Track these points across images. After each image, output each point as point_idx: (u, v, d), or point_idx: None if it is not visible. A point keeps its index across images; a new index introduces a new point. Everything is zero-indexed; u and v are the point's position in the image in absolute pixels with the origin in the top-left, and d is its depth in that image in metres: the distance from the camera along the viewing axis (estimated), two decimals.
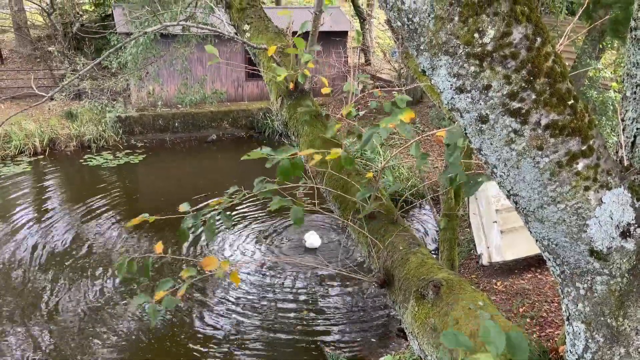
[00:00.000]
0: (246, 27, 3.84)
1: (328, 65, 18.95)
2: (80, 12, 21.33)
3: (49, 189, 14.43)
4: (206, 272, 2.24)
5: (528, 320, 7.64)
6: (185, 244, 11.03)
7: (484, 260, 9.17)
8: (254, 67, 3.96)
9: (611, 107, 10.73)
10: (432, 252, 9.83)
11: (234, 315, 9.13)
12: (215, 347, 8.39)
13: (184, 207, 2.31)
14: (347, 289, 9.92)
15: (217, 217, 2.36)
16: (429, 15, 1.13)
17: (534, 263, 8.98)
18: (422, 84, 6.78)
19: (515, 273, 8.99)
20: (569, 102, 1.18)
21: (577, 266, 1.35)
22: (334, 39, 19.00)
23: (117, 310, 9.15)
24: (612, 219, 1.27)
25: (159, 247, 2.39)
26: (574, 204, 1.25)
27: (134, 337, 8.56)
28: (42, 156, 16.31)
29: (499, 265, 9.14)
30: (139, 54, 12.36)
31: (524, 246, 8.68)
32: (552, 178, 1.23)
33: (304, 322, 8.99)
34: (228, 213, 2.36)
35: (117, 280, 9.91)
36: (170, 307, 2.14)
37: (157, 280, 2.28)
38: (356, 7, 22.86)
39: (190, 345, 8.39)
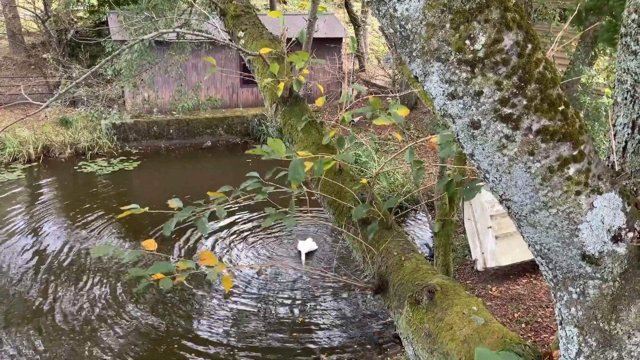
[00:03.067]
0: (241, 33, 3.85)
1: (323, 71, 19.00)
2: (75, 19, 21.31)
3: (43, 195, 14.37)
4: (202, 266, 2.23)
5: (523, 325, 7.65)
6: (179, 249, 10.99)
7: (479, 266, 9.18)
8: (249, 74, 3.96)
9: (604, 113, 10.79)
10: (427, 257, 9.83)
11: (228, 322, 9.09)
12: (210, 353, 8.34)
13: (173, 202, 2.30)
14: (342, 295, 9.90)
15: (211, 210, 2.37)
16: (421, 22, 1.14)
17: (529, 268, 8.99)
18: (416, 90, 6.80)
19: (510, 278, 9.00)
20: (560, 108, 1.19)
21: (569, 270, 1.36)
22: (328, 45, 19.07)
23: (111, 317, 9.10)
24: (603, 223, 1.28)
25: (149, 244, 2.27)
26: (566, 208, 1.26)
27: (128, 343, 8.50)
28: (36, 163, 16.25)
29: (494, 270, 9.15)
30: (134, 61, 12.34)
31: (518, 251, 8.70)
32: (543, 183, 1.23)
33: (300, 329, 8.97)
34: (225, 207, 2.37)
35: (111, 287, 9.87)
36: (167, 287, 2.11)
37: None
38: (351, 14, 22.97)
39: (184, 351, 8.35)
